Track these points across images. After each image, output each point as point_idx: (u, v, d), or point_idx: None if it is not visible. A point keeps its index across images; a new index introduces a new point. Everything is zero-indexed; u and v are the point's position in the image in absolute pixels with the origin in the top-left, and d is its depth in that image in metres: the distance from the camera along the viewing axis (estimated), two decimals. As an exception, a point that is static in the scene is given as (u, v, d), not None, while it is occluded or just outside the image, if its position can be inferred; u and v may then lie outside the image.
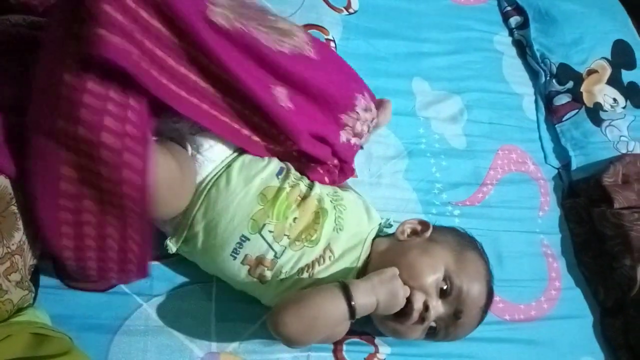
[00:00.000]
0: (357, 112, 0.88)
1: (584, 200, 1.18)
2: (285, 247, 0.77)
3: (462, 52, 1.32)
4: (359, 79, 0.93)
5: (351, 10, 1.26)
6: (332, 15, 1.22)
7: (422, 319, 0.77)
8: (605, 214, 1.13)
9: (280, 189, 0.79)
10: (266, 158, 0.82)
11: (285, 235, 0.77)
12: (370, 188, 1.04)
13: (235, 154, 0.80)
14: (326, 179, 0.87)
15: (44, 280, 0.75)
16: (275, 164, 0.82)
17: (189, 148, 0.78)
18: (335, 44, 1.18)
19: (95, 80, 0.60)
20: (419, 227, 0.85)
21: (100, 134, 0.60)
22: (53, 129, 0.61)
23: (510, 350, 0.97)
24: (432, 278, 0.77)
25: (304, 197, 0.81)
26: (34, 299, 0.72)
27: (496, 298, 1.00)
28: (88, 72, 0.59)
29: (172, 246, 0.78)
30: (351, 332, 0.84)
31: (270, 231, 0.77)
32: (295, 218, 0.78)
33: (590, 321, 1.08)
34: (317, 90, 0.80)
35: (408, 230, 0.85)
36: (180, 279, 0.82)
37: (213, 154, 0.78)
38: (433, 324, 0.79)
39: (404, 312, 0.76)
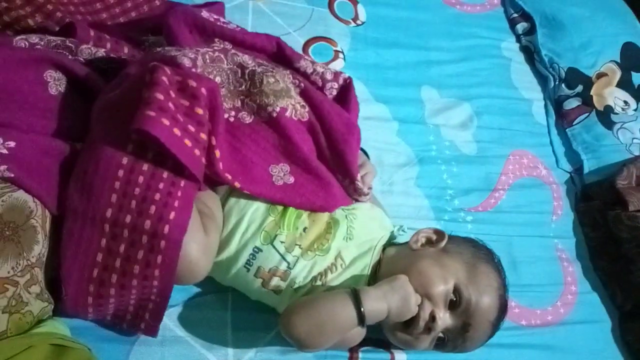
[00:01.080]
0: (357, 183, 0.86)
1: (598, 204, 1.17)
2: (298, 257, 0.78)
3: (469, 60, 1.33)
4: (353, 128, 0.86)
5: (359, 22, 1.27)
6: (339, 27, 1.24)
7: (428, 329, 0.77)
8: (620, 217, 1.12)
9: None
10: None
11: (297, 245, 0.78)
12: (382, 196, 1.04)
13: None
14: None
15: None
16: None
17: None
18: (344, 55, 1.20)
19: (163, 180, 0.67)
20: (434, 237, 0.85)
21: (164, 227, 0.65)
22: (103, 218, 0.65)
23: (527, 356, 0.96)
24: (441, 288, 0.77)
25: None
26: (54, 311, 0.73)
27: (512, 303, 1.01)
28: (158, 170, 0.67)
29: None
30: (367, 339, 0.84)
31: (282, 242, 0.78)
32: (305, 228, 0.80)
33: (609, 326, 1.07)
34: (312, 167, 0.81)
35: (422, 240, 0.84)
36: (196, 289, 0.83)
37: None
38: (441, 335, 0.79)
39: (411, 322, 0.76)
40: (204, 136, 0.69)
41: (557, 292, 1.07)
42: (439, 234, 0.85)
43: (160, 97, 0.65)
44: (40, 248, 0.63)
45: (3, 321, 0.58)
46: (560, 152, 1.27)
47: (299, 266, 0.78)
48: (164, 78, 0.66)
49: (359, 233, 0.83)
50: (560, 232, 1.15)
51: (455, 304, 0.78)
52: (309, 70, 0.88)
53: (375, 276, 0.82)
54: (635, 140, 1.27)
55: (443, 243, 0.83)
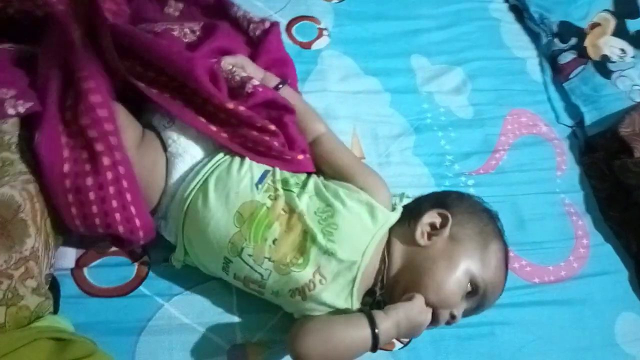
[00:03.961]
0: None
1: (602, 155, 1.15)
2: (270, 271, 0.73)
3: (457, 25, 1.30)
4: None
5: (341, -2, 1.26)
6: (321, 4, 1.23)
7: (447, 322, 0.77)
8: (626, 164, 1.09)
9: (258, 206, 0.74)
10: (246, 164, 0.77)
11: (265, 258, 0.73)
12: (380, 168, 1.02)
13: (211, 164, 0.77)
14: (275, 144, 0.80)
15: (64, 290, 0.77)
16: (256, 171, 0.77)
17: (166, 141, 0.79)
18: (328, 32, 1.19)
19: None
20: (437, 222, 0.79)
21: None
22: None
23: (544, 312, 0.94)
24: (460, 292, 0.76)
25: (290, 211, 0.74)
26: (57, 309, 0.73)
27: (522, 262, 0.99)
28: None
29: (176, 263, 0.80)
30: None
31: (250, 255, 0.73)
32: (275, 240, 0.73)
33: (626, 275, 1.04)
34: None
35: (427, 229, 0.79)
36: (199, 276, 0.82)
37: (185, 148, 0.79)
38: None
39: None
40: None
41: (568, 246, 1.04)
42: (443, 216, 0.79)
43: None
44: (32, 242, 0.63)
45: (1, 313, 0.58)
46: (559, 107, 1.24)
47: (272, 279, 0.73)
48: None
49: (342, 245, 0.74)
50: (566, 186, 1.12)
51: (471, 293, 0.77)
52: (239, 14, 0.93)
53: (385, 277, 0.78)
54: (635, 87, 1.24)
55: (448, 228, 0.78)
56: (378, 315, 0.72)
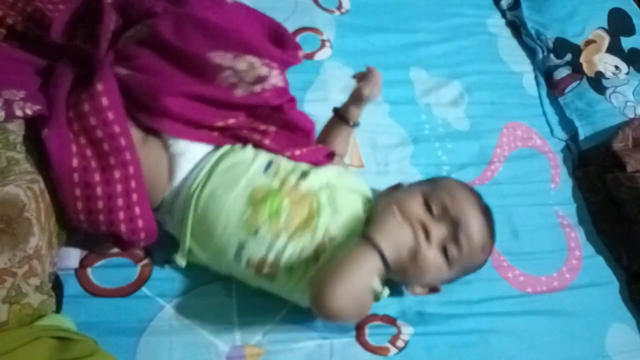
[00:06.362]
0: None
1: (595, 168, 1.17)
2: (285, 244, 0.77)
3: (456, 39, 1.34)
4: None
5: (343, 10, 1.29)
6: (324, 16, 1.26)
7: (427, 238, 0.79)
8: (619, 179, 1.12)
9: (269, 188, 0.78)
10: (251, 153, 0.82)
11: (281, 230, 0.77)
12: (378, 176, 1.05)
13: (215, 158, 0.80)
14: (267, 142, 0.85)
15: (68, 290, 0.78)
16: (262, 159, 0.82)
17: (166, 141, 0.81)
18: (330, 43, 1.21)
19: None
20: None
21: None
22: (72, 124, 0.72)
23: (536, 322, 0.95)
24: (416, 203, 0.81)
25: (297, 190, 0.80)
26: (59, 308, 0.74)
27: (516, 272, 1.01)
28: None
29: (180, 261, 0.81)
30: (373, 316, 0.85)
31: (267, 230, 0.77)
32: (288, 212, 0.77)
33: (617, 287, 1.06)
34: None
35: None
36: (200, 279, 0.84)
37: (186, 147, 0.80)
38: (445, 248, 0.80)
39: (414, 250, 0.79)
40: None
41: (561, 258, 1.06)
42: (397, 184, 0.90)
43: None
44: (37, 240, 0.64)
45: (4, 311, 0.59)
46: (554, 121, 1.27)
47: (288, 251, 0.77)
48: None
49: (344, 208, 0.81)
50: (560, 199, 1.15)
51: (431, 210, 0.81)
52: None
53: None
54: (629, 104, 1.27)
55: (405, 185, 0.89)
56: (373, 233, 0.75)
